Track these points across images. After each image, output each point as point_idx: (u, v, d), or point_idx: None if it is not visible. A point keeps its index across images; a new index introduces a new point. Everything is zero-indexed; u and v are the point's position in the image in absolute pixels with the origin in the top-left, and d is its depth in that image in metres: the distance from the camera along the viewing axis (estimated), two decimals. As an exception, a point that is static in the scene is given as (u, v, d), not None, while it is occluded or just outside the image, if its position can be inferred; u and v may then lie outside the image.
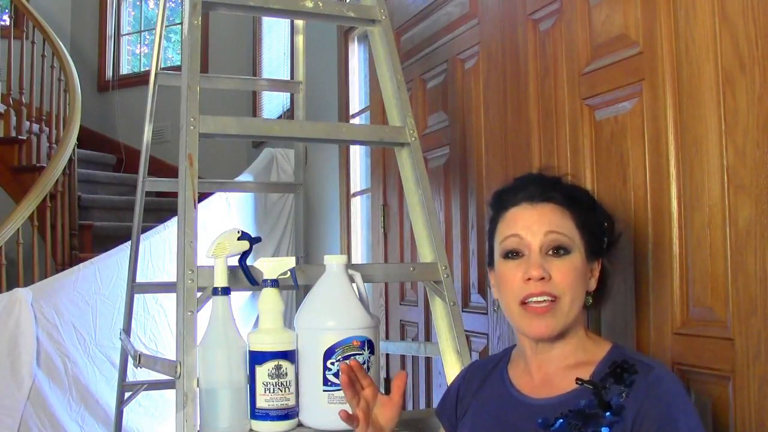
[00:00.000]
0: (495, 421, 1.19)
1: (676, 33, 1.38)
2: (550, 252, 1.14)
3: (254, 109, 5.26)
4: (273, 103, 4.94)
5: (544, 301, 1.12)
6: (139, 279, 2.50)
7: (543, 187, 1.19)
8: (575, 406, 1.08)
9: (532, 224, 1.15)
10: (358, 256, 3.43)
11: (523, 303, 1.13)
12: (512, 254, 1.16)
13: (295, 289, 1.61)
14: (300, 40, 2.71)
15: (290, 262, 1.51)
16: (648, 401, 1.04)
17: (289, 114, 4.31)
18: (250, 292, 2.81)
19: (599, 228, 1.22)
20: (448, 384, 1.58)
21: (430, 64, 2.42)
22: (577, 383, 1.10)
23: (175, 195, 1.67)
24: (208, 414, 1.40)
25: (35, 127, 4.47)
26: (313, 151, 3.73)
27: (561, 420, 1.08)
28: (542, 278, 1.12)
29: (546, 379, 1.17)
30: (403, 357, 2.56)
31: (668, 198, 1.39)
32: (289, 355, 1.42)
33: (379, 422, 1.21)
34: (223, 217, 3.64)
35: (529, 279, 1.12)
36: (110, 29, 6.17)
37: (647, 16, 1.45)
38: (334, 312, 1.44)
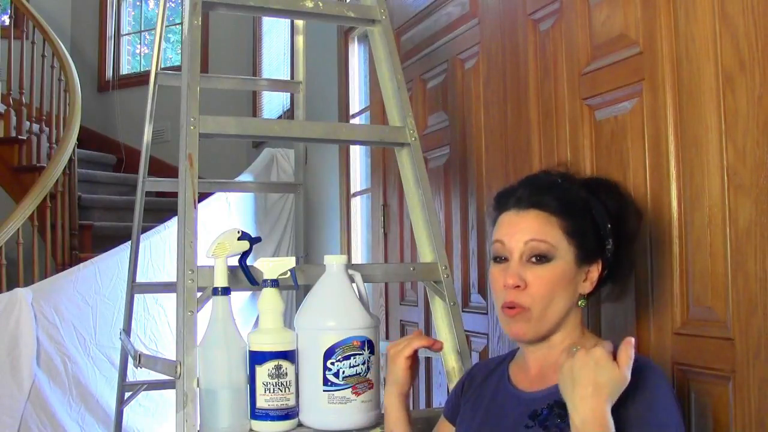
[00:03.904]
0: (488, 414, 1.22)
1: (676, 33, 1.38)
2: (532, 259, 1.16)
3: (254, 109, 5.25)
4: (273, 103, 4.94)
5: (514, 308, 1.16)
6: (139, 279, 2.50)
7: (533, 191, 1.21)
8: (561, 396, 1.10)
9: (515, 232, 1.18)
10: (358, 256, 3.43)
11: (503, 308, 1.18)
12: (497, 259, 1.20)
13: (295, 289, 1.61)
14: (300, 40, 2.71)
15: (290, 262, 1.51)
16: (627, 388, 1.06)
17: (289, 114, 4.31)
18: (250, 292, 2.81)
19: (595, 231, 1.22)
20: (449, 384, 1.58)
21: (430, 64, 2.42)
22: None
23: (175, 195, 1.67)
24: (208, 414, 1.40)
25: (35, 127, 4.47)
26: (313, 151, 3.73)
27: (546, 410, 1.11)
28: (517, 286, 1.15)
29: (541, 374, 1.19)
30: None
31: (668, 198, 1.38)
32: (289, 355, 1.42)
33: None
34: (223, 217, 3.64)
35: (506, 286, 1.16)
36: (110, 29, 6.17)
37: (647, 16, 1.45)
38: (334, 312, 1.43)
